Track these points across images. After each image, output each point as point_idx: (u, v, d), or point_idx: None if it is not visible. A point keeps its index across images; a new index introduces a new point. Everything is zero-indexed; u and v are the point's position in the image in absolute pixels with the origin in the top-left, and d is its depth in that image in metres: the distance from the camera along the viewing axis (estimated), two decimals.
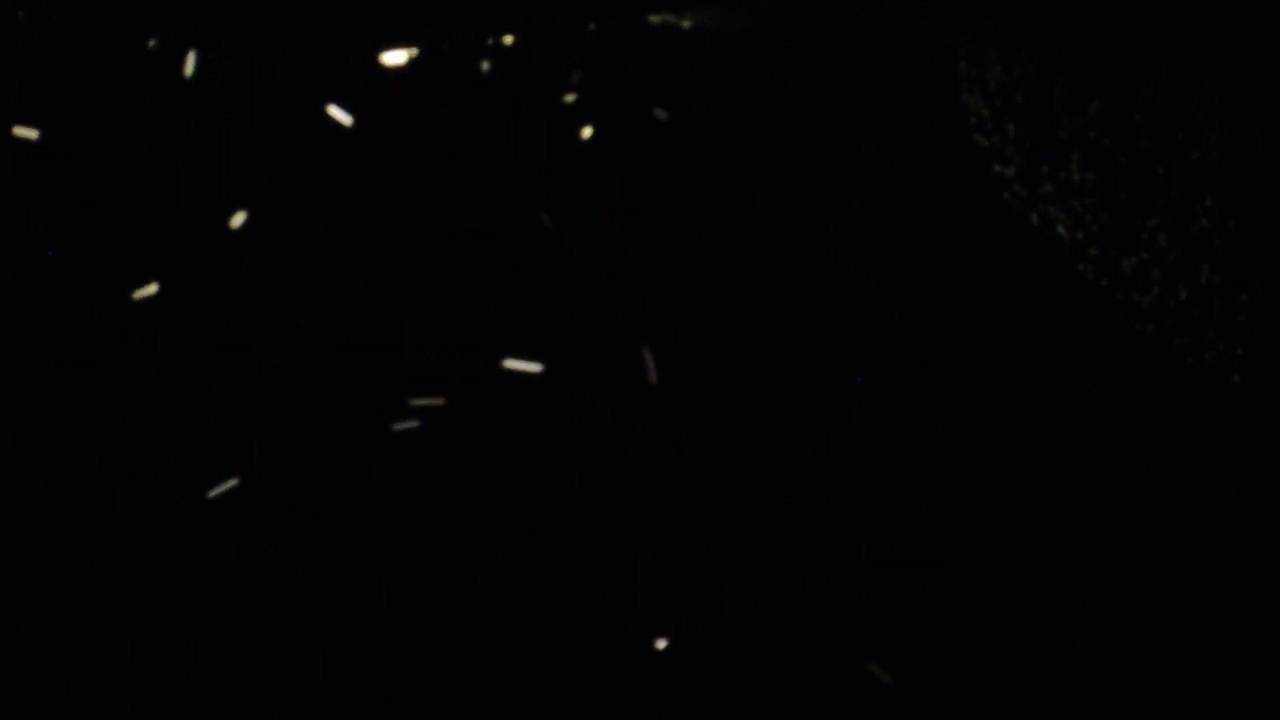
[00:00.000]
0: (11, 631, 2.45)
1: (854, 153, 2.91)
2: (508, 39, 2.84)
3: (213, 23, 2.86)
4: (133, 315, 2.73)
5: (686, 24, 3.03)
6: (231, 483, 2.58)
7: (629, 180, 2.88)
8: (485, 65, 2.88)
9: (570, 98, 2.91)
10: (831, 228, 2.85)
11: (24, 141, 2.80)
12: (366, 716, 2.41)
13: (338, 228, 2.80)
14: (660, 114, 2.91)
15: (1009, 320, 2.78)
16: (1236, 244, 2.74)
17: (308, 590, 2.52)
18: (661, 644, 2.45)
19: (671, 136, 2.92)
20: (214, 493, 2.58)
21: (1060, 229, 2.83)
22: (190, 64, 2.79)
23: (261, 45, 2.87)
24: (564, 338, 2.73)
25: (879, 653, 2.47)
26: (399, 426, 2.64)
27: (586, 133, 2.89)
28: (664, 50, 2.99)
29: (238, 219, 2.74)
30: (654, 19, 3.02)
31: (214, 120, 2.85)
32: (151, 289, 2.68)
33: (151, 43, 2.79)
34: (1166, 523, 2.60)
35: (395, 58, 2.84)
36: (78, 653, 2.45)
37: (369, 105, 2.85)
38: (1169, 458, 2.65)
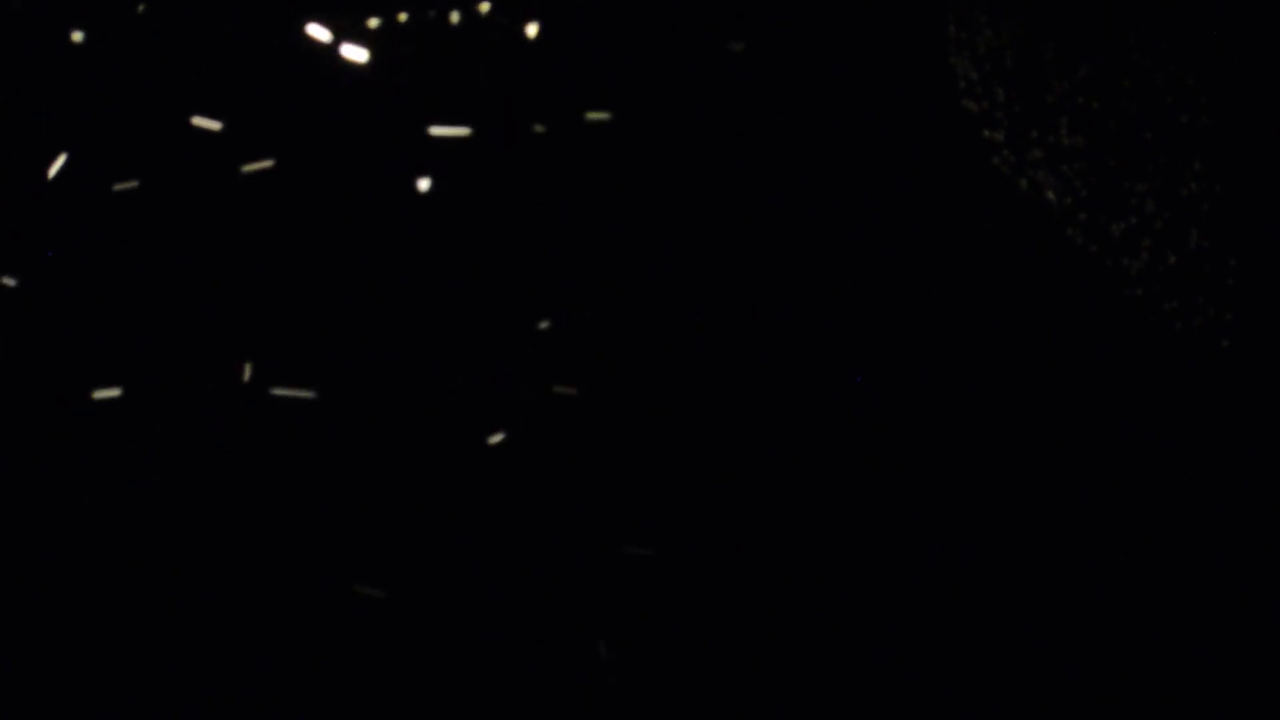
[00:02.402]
0: (11, 631, 2.44)
1: (840, 118, 2.90)
2: (484, 6, 2.81)
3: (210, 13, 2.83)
4: (130, 317, 2.71)
5: None
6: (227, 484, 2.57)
7: (612, 146, 2.86)
8: (456, 19, 2.85)
9: (541, 63, 2.89)
10: (816, 197, 2.84)
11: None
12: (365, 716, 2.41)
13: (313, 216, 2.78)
14: (641, 72, 2.89)
15: (997, 286, 2.78)
16: (1226, 209, 2.74)
17: (305, 591, 2.51)
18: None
19: (653, 99, 2.90)
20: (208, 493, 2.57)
21: (1049, 194, 2.83)
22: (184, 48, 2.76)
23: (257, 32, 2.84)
24: (559, 336, 2.72)
25: (878, 652, 2.47)
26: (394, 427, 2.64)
27: (562, 98, 2.87)
28: (648, 8, 2.97)
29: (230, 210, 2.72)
30: None
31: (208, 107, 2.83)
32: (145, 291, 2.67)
33: (141, 7, 2.76)
34: (1158, 492, 2.61)
35: (372, 25, 2.82)
36: (77, 652, 2.44)
37: (347, 76, 2.83)
38: (1159, 424, 2.66)
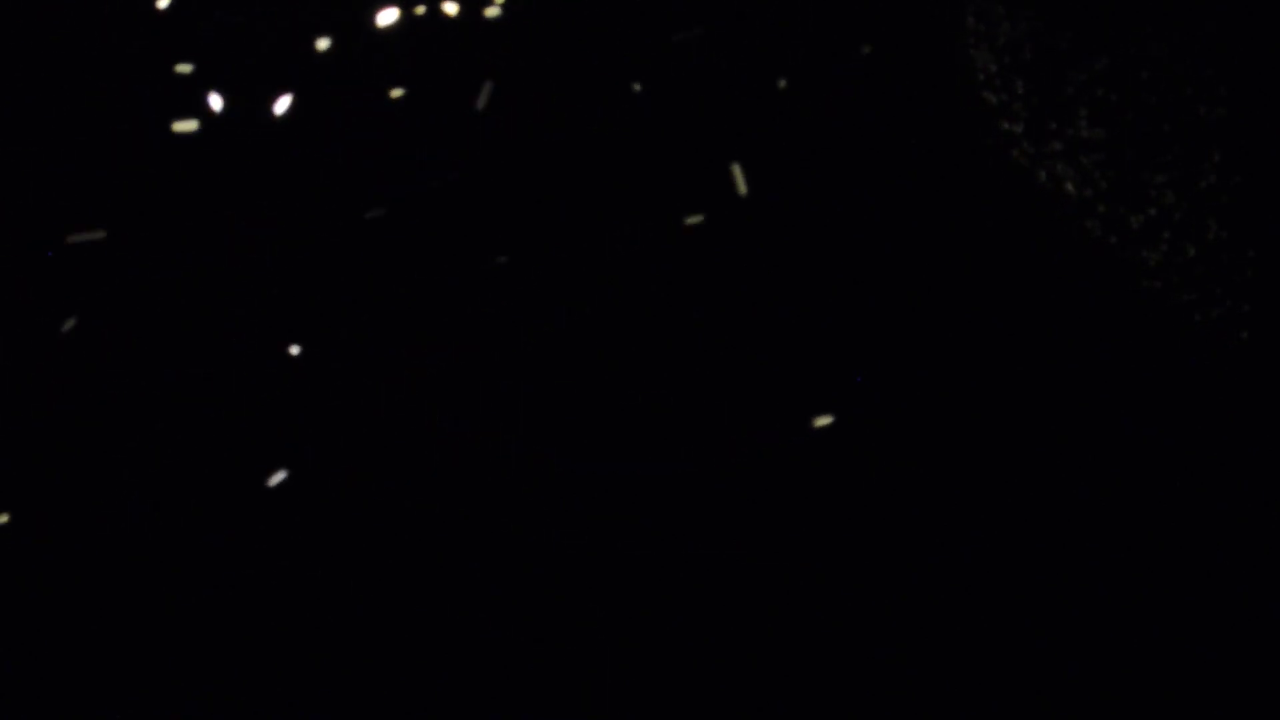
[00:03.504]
0: (11, 632, 2.47)
1: (860, 108, 2.90)
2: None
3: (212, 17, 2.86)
4: (132, 314, 2.74)
5: None
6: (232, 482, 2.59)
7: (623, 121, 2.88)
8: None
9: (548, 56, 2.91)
10: (837, 187, 2.85)
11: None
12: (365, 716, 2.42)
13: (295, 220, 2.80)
14: (660, 56, 2.90)
15: (1017, 278, 2.77)
16: (1244, 200, 2.73)
17: (305, 590, 2.53)
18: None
19: (666, 85, 2.91)
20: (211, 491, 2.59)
21: (1068, 186, 2.82)
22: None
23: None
24: (558, 337, 2.73)
25: (877, 650, 2.48)
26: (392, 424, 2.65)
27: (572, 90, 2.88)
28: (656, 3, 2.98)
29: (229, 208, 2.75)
30: None
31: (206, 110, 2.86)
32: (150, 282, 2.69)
33: (160, 2, 2.79)
34: (1176, 481, 2.60)
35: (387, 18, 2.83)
36: (78, 652, 2.47)
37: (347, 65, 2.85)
38: (1178, 413, 2.65)
